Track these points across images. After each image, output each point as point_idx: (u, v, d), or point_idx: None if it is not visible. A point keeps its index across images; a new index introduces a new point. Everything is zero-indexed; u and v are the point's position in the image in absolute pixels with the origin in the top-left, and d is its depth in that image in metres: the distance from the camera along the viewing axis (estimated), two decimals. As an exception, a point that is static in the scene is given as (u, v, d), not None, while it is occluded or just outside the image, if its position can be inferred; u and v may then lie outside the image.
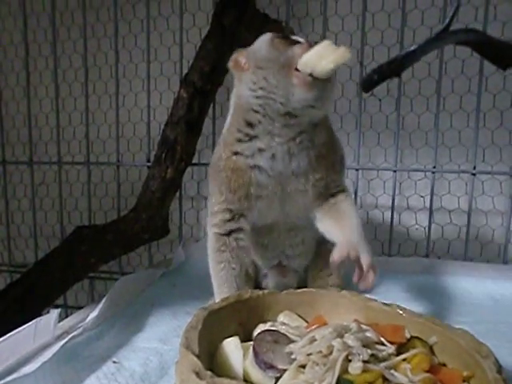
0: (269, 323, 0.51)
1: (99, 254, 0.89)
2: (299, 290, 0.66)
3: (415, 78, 0.93)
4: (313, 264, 0.73)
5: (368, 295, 0.76)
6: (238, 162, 0.61)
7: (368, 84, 0.39)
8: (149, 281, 0.82)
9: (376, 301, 0.57)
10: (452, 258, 0.95)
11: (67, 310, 1.07)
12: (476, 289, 0.82)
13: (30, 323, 0.54)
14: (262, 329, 0.51)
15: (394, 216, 0.94)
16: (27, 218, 1.12)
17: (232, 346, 0.47)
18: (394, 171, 0.93)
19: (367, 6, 0.89)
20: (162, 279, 0.85)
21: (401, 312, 0.53)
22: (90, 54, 1.03)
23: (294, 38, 0.57)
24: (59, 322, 0.60)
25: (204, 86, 0.86)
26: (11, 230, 1.08)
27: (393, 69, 0.38)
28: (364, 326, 0.48)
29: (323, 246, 0.71)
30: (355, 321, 0.52)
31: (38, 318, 0.55)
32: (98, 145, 1.07)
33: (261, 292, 0.57)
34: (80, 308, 1.06)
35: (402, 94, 0.91)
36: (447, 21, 0.38)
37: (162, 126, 1.00)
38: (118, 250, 0.91)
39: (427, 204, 0.94)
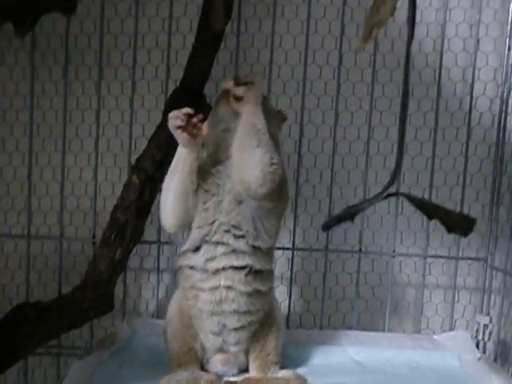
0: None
1: (42, 334, 0.89)
2: (252, 379, 0.73)
3: (345, 169, 1.06)
4: (252, 348, 0.79)
5: (301, 368, 0.84)
6: None
7: (328, 226, 0.48)
8: (97, 362, 0.84)
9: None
10: (375, 329, 1.06)
11: (-5, 388, 1.03)
12: (396, 358, 0.94)
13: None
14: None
15: (325, 291, 1.04)
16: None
17: None
18: (326, 252, 1.04)
19: (311, 14, 1.00)
20: (108, 359, 0.86)
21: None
22: (35, 123, 1.04)
23: None
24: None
25: (155, 173, 0.91)
26: None
27: (347, 216, 0.48)
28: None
29: (260, 330, 0.79)
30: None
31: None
32: (39, 217, 1.06)
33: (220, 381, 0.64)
34: (9, 386, 1.04)
35: (333, 181, 1.03)
36: (390, 182, 0.48)
37: (107, 201, 1.04)
38: (62, 328, 0.91)
39: (354, 280, 1.05)
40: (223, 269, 0.74)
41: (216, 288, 0.74)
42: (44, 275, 1.07)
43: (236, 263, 0.74)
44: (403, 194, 0.53)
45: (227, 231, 0.74)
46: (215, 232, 0.74)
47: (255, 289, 0.75)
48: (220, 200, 0.75)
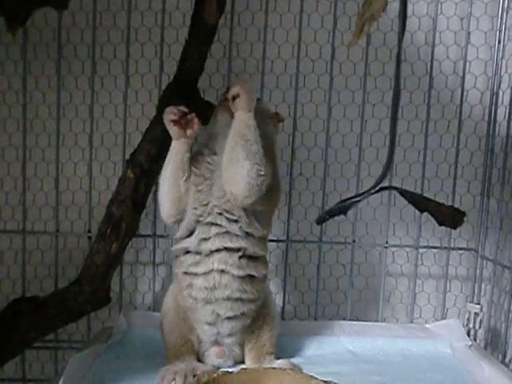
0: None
1: (40, 329, 0.89)
2: (249, 369, 0.74)
3: (338, 162, 1.07)
4: (247, 340, 0.82)
5: (296, 358, 0.86)
6: None
7: (322, 220, 0.50)
8: (95, 355, 0.84)
9: (317, 378, 0.66)
10: (368, 319, 1.08)
11: (-8, 382, 1.04)
12: (389, 347, 0.95)
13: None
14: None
15: (319, 283, 1.06)
16: None
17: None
18: (320, 244, 1.05)
19: (304, 7, 1.01)
20: (106, 351, 0.87)
21: (339, 388, 0.63)
22: (28, 118, 1.04)
23: None
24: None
25: (150, 167, 0.92)
26: None
27: (341, 211, 0.49)
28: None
29: (255, 321, 0.81)
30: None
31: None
32: (34, 212, 1.07)
33: (216, 374, 0.66)
34: (6, 380, 1.05)
35: (326, 175, 1.04)
36: (382, 176, 0.50)
37: (102, 196, 1.04)
38: (59, 322, 0.92)
39: (348, 271, 1.07)
40: (217, 251, 0.76)
41: (209, 272, 0.76)
42: (40, 270, 1.07)
43: (229, 244, 0.76)
44: (395, 188, 0.55)
45: (220, 214, 0.77)
46: (209, 213, 0.77)
47: (248, 274, 0.77)
48: (212, 184, 0.78)
